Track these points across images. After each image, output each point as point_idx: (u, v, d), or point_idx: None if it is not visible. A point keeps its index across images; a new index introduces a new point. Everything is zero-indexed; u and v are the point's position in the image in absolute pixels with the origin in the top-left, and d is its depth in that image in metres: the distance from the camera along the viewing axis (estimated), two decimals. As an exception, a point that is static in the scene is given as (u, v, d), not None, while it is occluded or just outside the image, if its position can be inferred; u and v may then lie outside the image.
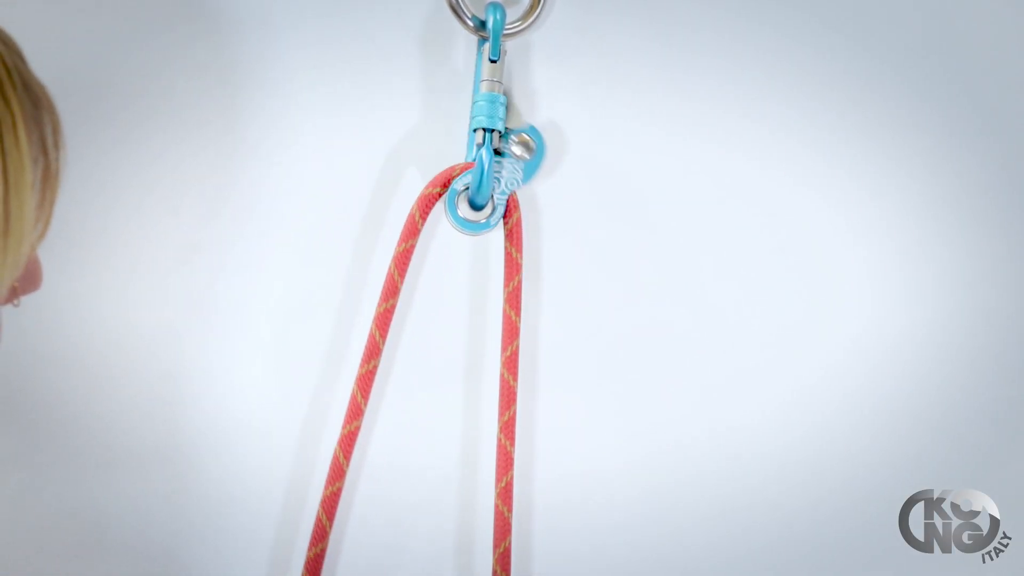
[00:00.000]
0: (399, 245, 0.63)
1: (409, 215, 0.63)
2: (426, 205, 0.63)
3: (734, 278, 0.66)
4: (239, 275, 0.64)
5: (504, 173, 0.63)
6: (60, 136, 0.49)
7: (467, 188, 0.63)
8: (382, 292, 0.63)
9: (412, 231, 0.63)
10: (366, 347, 0.63)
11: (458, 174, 0.63)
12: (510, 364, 0.63)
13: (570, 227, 0.65)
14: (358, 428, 0.63)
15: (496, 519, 0.62)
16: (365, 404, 0.62)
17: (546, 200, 0.65)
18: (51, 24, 0.62)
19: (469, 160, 0.63)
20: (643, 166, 0.65)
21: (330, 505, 0.62)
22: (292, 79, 0.64)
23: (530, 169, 0.64)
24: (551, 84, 0.65)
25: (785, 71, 0.66)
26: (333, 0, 0.64)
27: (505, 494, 0.62)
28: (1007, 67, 0.66)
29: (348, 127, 0.64)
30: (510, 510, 0.62)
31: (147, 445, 0.63)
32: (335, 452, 0.62)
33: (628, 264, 0.65)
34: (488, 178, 0.62)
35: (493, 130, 0.63)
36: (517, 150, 0.63)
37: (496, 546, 0.62)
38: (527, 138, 0.63)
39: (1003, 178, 0.66)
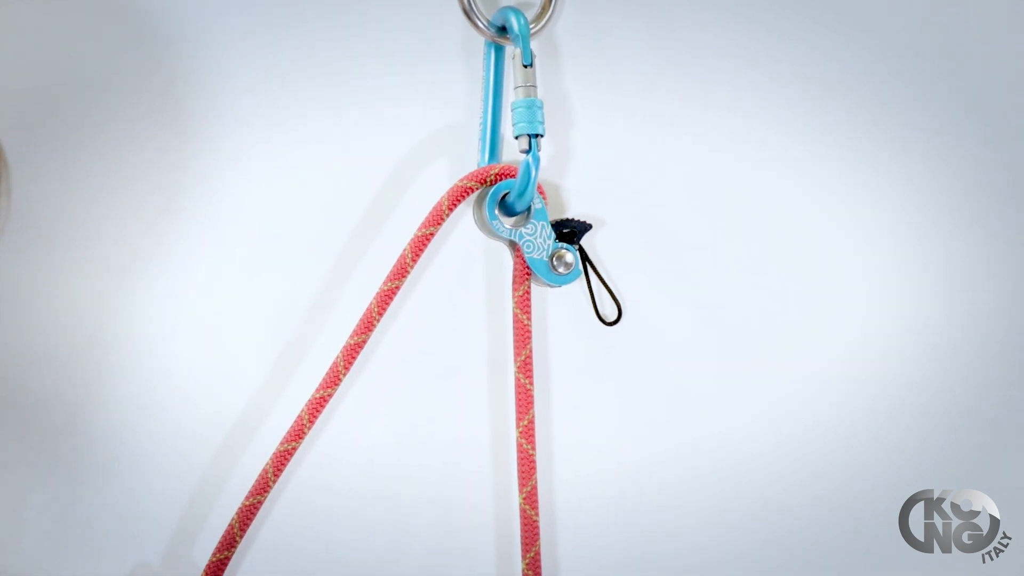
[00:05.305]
0: (420, 229, 0.62)
1: (438, 203, 0.62)
2: (458, 196, 0.62)
3: (737, 279, 0.66)
4: (239, 273, 0.64)
5: (537, 240, 0.64)
6: (5, 183, 0.49)
7: (507, 193, 0.63)
8: (391, 271, 0.62)
9: (437, 219, 0.62)
10: (361, 320, 0.62)
11: (496, 174, 0.63)
12: (525, 368, 0.63)
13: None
14: (330, 394, 0.61)
15: (523, 524, 0.62)
16: (344, 374, 0.62)
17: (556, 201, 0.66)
18: (8, 27, 0.62)
19: (483, 164, 0.64)
20: (651, 168, 0.66)
21: (246, 515, 0.61)
22: (294, 79, 0.63)
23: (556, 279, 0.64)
24: (561, 86, 0.65)
25: (788, 72, 0.66)
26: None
27: (531, 499, 0.62)
28: (1007, 65, 0.66)
29: (349, 128, 0.64)
30: (537, 515, 0.62)
31: (151, 444, 0.63)
32: (276, 452, 0.61)
33: (635, 264, 0.66)
34: (533, 185, 0.62)
35: (537, 135, 0.62)
36: (561, 268, 0.63)
37: (525, 552, 0.62)
38: (564, 252, 0.64)
39: (1004, 178, 0.66)
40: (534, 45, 0.63)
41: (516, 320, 0.63)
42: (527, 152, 0.62)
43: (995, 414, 0.66)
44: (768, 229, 0.66)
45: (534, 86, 0.62)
